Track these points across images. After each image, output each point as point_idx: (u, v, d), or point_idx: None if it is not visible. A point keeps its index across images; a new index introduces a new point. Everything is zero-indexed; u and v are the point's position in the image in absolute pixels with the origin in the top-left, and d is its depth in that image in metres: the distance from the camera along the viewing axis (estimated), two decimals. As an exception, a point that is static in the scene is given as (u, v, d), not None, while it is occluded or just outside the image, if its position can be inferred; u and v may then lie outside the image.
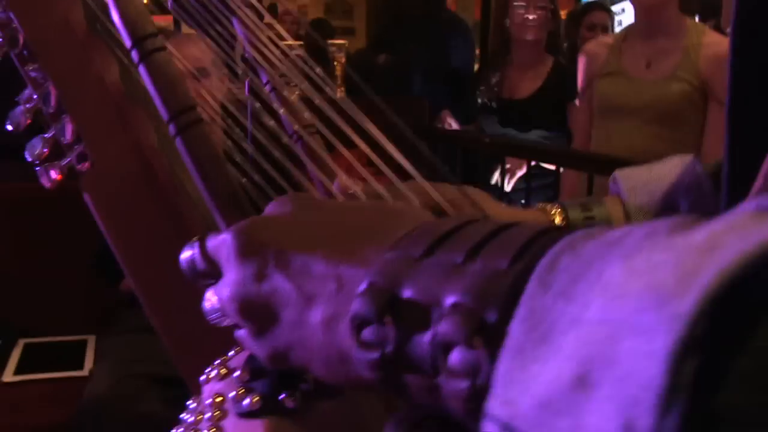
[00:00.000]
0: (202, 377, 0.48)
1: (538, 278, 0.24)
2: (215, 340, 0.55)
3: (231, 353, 0.49)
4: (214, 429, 0.41)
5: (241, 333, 0.40)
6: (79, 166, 0.57)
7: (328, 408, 0.42)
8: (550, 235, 0.27)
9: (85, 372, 1.88)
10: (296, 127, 0.61)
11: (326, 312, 0.33)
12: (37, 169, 0.60)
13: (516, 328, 0.23)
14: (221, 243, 0.39)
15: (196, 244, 0.42)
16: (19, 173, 2.16)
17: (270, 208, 0.41)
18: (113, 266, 1.64)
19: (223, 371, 0.46)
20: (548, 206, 0.65)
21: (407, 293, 0.29)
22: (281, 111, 0.60)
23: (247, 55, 0.64)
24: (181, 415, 0.51)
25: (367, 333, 0.30)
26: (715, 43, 2.07)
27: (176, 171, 0.54)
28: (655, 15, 2.10)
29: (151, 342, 1.66)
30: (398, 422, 0.32)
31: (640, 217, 0.61)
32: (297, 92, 0.58)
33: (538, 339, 0.22)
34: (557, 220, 0.63)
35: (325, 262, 0.35)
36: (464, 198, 0.58)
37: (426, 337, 0.27)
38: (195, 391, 0.59)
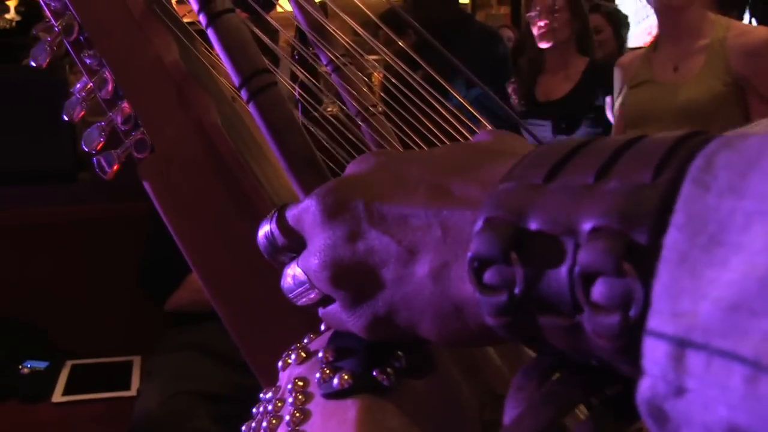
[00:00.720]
0: (279, 363, 0.44)
1: (693, 181, 0.21)
2: (286, 328, 0.52)
3: (306, 340, 0.46)
4: (299, 413, 0.37)
5: (330, 309, 0.37)
6: (137, 154, 0.54)
7: (421, 386, 0.38)
8: (692, 140, 0.24)
9: (132, 392, 1.87)
10: (359, 108, 0.58)
11: (434, 262, 0.30)
12: (94, 160, 0.58)
13: (676, 238, 0.21)
14: (304, 209, 0.36)
15: (274, 217, 0.39)
16: (67, 196, 2.19)
17: (351, 168, 0.37)
18: (159, 285, 1.63)
19: (303, 355, 0.43)
20: None
21: (533, 224, 0.25)
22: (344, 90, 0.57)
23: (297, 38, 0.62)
24: (254, 409, 0.48)
25: (490, 275, 0.26)
26: (742, 33, 2.00)
27: (241, 150, 0.51)
28: (677, 17, 2.05)
29: (198, 359, 1.68)
30: (529, 372, 0.28)
31: None
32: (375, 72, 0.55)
33: (708, 242, 0.20)
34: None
35: (424, 208, 0.31)
36: None
37: (562, 271, 0.24)
38: (265, 382, 0.56)
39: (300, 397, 0.39)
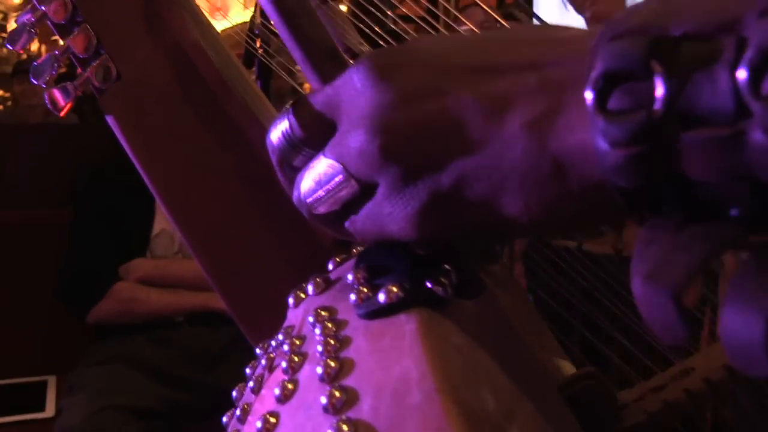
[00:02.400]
0: (290, 299, 0.37)
1: None
2: (278, 276, 0.45)
3: (310, 283, 0.40)
4: (333, 341, 0.31)
5: (363, 211, 0.31)
6: (99, 84, 0.47)
7: (473, 309, 0.33)
8: None
9: (47, 413, 1.70)
10: None
11: (529, 113, 0.25)
12: (45, 95, 0.50)
13: None
14: (344, 82, 0.30)
15: (290, 111, 0.33)
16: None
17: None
18: (80, 296, 1.50)
19: (322, 284, 0.36)
20: None
21: (678, 29, 0.21)
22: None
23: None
24: (247, 369, 0.41)
25: (617, 99, 0.22)
26: None
27: (225, 73, 0.44)
28: None
29: (126, 373, 1.54)
30: (658, 224, 0.23)
31: None
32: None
33: None
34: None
35: (513, 55, 0.26)
36: None
37: (718, 72, 0.20)
38: (254, 339, 0.48)
39: (329, 325, 0.32)
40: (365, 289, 0.31)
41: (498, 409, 0.27)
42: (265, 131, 0.44)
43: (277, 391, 0.32)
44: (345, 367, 0.29)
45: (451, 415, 0.25)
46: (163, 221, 1.71)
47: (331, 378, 0.29)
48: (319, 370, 0.30)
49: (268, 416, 0.31)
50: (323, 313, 0.33)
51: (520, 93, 0.26)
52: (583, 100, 0.23)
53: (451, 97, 0.27)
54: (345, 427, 0.26)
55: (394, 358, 0.28)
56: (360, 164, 0.29)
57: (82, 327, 1.71)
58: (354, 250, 0.40)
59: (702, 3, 0.21)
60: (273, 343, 0.37)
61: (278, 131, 0.33)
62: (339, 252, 0.40)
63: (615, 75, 0.22)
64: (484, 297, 0.33)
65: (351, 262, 0.38)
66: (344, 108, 0.30)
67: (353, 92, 0.29)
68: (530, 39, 0.28)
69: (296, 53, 0.34)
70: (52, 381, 1.87)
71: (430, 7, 0.60)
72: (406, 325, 0.29)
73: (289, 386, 0.32)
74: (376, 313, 0.30)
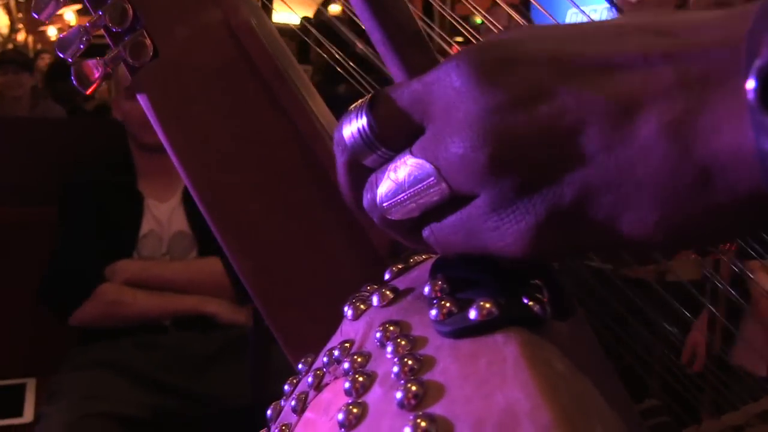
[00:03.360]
0: (348, 310, 0.34)
1: None
2: (325, 284, 0.41)
3: (366, 289, 0.36)
4: (411, 361, 0.27)
5: (453, 220, 0.27)
6: (133, 61, 0.43)
7: (566, 331, 0.29)
8: None
9: (26, 418, 1.64)
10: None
11: (666, 114, 0.22)
12: (72, 69, 0.45)
13: None
14: (438, 78, 0.26)
15: (368, 106, 0.29)
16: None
17: (496, 37, 0.28)
18: (64, 296, 1.45)
19: (390, 294, 0.32)
20: None
21: None
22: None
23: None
24: (286, 385, 0.37)
25: None
26: None
27: (278, 57, 0.40)
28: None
29: (111, 379, 1.48)
30: None
31: None
32: None
33: None
34: None
35: (643, 50, 0.23)
36: None
37: None
38: (293, 354, 0.44)
39: (403, 342, 0.28)
40: (448, 304, 0.28)
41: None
42: (316, 127, 0.41)
43: (340, 416, 0.28)
44: (431, 392, 0.26)
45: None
46: (151, 221, 1.66)
47: (413, 405, 0.25)
48: (399, 395, 0.26)
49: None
50: (392, 328, 0.30)
51: (655, 90, 0.22)
52: (732, 96, 0.20)
53: (570, 97, 0.23)
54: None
55: (495, 384, 0.24)
56: (460, 172, 0.25)
57: (66, 329, 1.65)
58: (411, 260, 0.37)
59: None
60: (324, 359, 0.34)
61: (352, 127, 0.29)
62: (395, 261, 0.36)
63: None
64: (575, 318, 0.30)
65: (415, 273, 0.35)
66: (438, 108, 0.26)
67: (451, 92, 0.26)
68: (651, 27, 0.24)
69: (375, 34, 0.31)
70: (31, 384, 1.80)
71: (424, 18, 0.57)
72: (506, 347, 0.25)
73: (355, 410, 0.28)
74: (466, 331, 0.26)
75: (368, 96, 0.29)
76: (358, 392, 0.29)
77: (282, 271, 0.42)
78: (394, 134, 0.28)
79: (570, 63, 0.24)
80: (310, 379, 0.33)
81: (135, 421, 1.42)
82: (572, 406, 0.24)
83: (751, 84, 0.19)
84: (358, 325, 0.32)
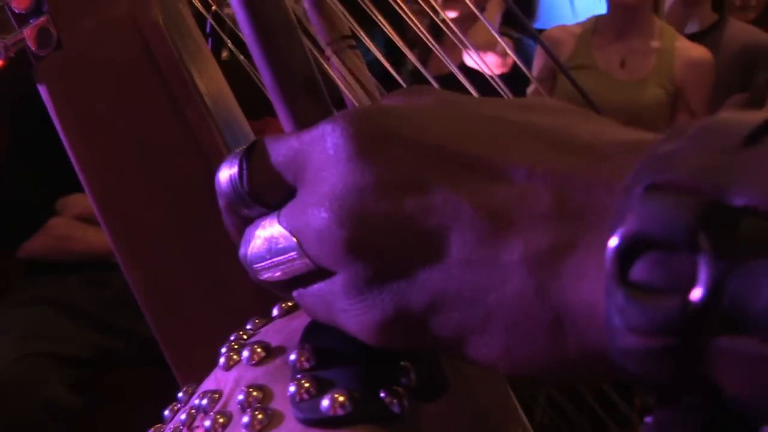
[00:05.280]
0: (221, 358, 0.32)
1: None
2: (220, 306, 0.39)
3: (250, 325, 0.35)
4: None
5: (317, 289, 0.26)
6: (36, 49, 0.40)
7: (434, 410, 0.28)
8: None
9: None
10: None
11: (534, 243, 0.20)
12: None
13: None
14: (314, 138, 0.24)
15: (244, 156, 0.27)
16: None
17: (389, 101, 0.26)
18: (12, 226, 1.41)
19: (261, 353, 0.31)
20: None
21: (739, 198, 0.16)
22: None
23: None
24: (166, 411, 0.36)
25: (645, 269, 0.17)
26: (690, 46, 2.05)
27: (185, 60, 0.38)
28: (632, 14, 2.05)
29: (55, 316, 1.47)
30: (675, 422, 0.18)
31: None
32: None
33: None
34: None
35: (527, 162, 0.21)
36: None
37: None
38: (182, 375, 0.43)
39: (259, 416, 0.27)
40: (307, 384, 0.26)
41: None
42: (217, 143, 0.39)
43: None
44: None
45: None
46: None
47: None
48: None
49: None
50: (254, 393, 0.28)
51: (529, 214, 0.20)
52: (603, 243, 0.18)
53: (440, 196, 0.21)
54: None
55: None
56: (318, 249, 0.24)
57: (11, 261, 1.62)
58: None
59: (760, 173, 0.16)
60: (197, 401, 0.32)
61: (227, 174, 0.27)
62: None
63: (647, 239, 0.17)
64: (455, 389, 0.29)
65: (297, 322, 0.33)
66: (309, 173, 0.24)
67: (323, 157, 0.24)
68: (552, 133, 0.22)
69: (266, 77, 0.28)
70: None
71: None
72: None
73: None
74: (317, 422, 0.25)
75: (249, 143, 0.27)
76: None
77: (172, 287, 0.40)
78: (265, 192, 0.26)
79: (451, 157, 0.22)
80: (183, 416, 0.32)
81: (78, 361, 1.41)
82: None
83: (609, 257, 0.18)
84: (229, 376, 0.31)
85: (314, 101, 0.29)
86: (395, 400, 0.25)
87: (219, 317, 0.34)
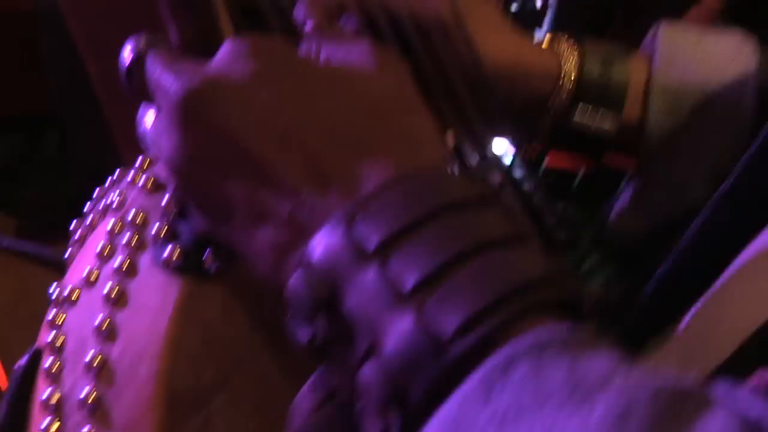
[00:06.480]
0: (129, 172, 0.41)
1: (481, 382, 0.21)
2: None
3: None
4: (130, 261, 0.37)
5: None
6: None
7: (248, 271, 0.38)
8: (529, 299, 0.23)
9: None
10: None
11: (277, 236, 0.28)
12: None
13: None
14: (163, 84, 0.31)
15: (136, 48, 0.34)
16: None
17: (227, 58, 0.31)
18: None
19: (153, 182, 0.40)
20: (564, 42, 0.51)
21: (349, 301, 0.25)
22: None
23: None
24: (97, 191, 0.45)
25: (300, 313, 0.26)
26: None
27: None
28: None
29: None
30: (315, 386, 0.29)
31: (660, 103, 0.49)
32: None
33: None
34: (569, 65, 0.51)
35: (284, 174, 0.28)
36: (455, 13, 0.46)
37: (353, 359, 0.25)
38: (127, 155, 0.52)
39: (136, 238, 0.37)
40: (165, 230, 0.36)
41: (212, 379, 0.35)
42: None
43: (84, 273, 0.38)
44: (122, 299, 0.36)
45: (156, 400, 0.33)
46: None
47: (113, 301, 0.36)
48: (108, 286, 0.36)
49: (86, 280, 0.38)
50: (142, 215, 0.37)
51: (274, 216, 0.28)
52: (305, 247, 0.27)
53: (232, 185, 0.29)
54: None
55: (154, 321, 0.34)
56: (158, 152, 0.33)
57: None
58: None
59: (366, 287, 0.25)
60: (108, 200, 0.42)
61: (127, 51, 0.35)
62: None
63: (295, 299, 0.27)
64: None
65: None
66: (159, 102, 0.32)
67: (163, 105, 0.31)
68: (326, 143, 0.28)
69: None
70: None
71: None
72: (172, 293, 0.35)
73: (96, 272, 0.38)
74: (158, 262, 0.36)
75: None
76: (104, 259, 0.38)
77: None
78: (143, 91, 0.34)
79: (244, 145, 0.29)
80: (90, 216, 0.43)
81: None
82: (192, 352, 0.34)
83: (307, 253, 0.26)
84: (131, 192, 0.40)
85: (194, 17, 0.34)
86: (214, 261, 0.35)
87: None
